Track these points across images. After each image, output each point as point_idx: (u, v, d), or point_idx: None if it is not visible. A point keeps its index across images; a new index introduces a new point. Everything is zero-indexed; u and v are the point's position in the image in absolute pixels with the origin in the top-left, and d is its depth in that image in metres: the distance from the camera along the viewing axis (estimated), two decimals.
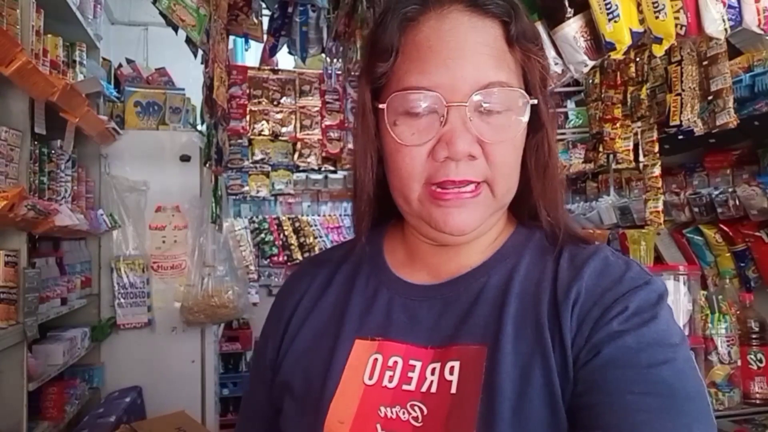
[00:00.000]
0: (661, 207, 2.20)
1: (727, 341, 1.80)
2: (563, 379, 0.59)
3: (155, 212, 3.27)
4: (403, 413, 0.62)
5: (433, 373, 0.64)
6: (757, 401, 1.81)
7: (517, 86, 0.67)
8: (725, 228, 2.26)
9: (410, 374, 0.64)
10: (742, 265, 2.22)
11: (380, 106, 0.66)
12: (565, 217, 0.72)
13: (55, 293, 2.39)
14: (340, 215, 5.35)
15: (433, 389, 0.63)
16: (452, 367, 0.63)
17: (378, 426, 0.62)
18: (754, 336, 1.86)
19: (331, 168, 3.85)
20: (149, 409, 3.03)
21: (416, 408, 0.62)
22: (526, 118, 0.66)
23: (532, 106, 0.67)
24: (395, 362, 0.66)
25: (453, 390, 0.61)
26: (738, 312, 1.89)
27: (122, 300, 3.14)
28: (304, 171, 3.94)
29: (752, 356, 1.83)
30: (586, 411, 0.57)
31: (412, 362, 0.65)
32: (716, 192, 2.26)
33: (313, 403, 0.66)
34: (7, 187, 1.83)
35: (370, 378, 0.65)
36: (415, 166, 0.64)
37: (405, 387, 0.64)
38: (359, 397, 0.65)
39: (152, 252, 3.24)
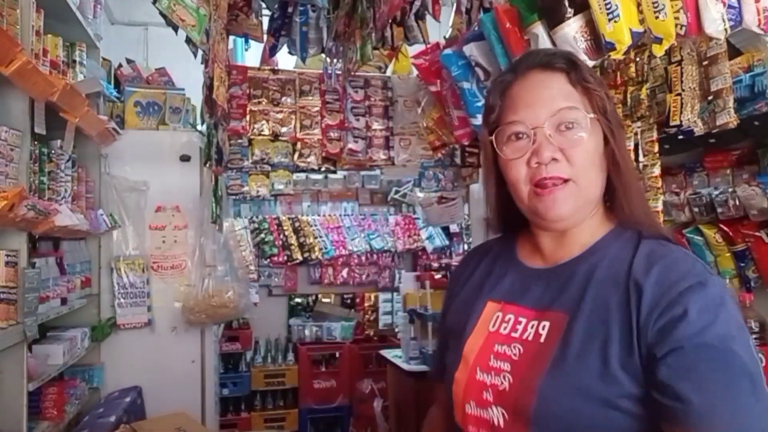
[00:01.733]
0: (661, 207, 2.19)
1: None
2: (624, 348, 0.82)
3: (155, 212, 3.27)
4: (508, 349, 0.92)
5: (532, 327, 0.92)
6: None
7: (581, 109, 0.93)
8: (725, 228, 2.25)
9: (518, 326, 0.94)
10: (742, 265, 2.21)
11: (491, 138, 0.97)
12: (648, 216, 0.97)
13: (55, 293, 2.39)
14: (340, 215, 5.36)
15: (530, 338, 0.91)
16: (544, 325, 0.91)
17: (491, 356, 0.93)
18: (754, 336, 1.86)
19: (331, 168, 3.84)
20: (149, 409, 3.03)
21: (516, 347, 0.92)
22: (587, 132, 0.92)
23: (601, 125, 0.94)
24: (509, 317, 0.96)
25: (542, 340, 0.90)
26: None
27: (122, 300, 3.14)
28: (304, 171, 3.94)
29: None
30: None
31: (520, 318, 0.95)
32: (716, 192, 2.25)
33: (458, 339, 1.00)
34: (7, 187, 1.83)
35: (493, 326, 0.97)
36: (519, 172, 0.93)
37: (513, 334, 0.94)
38: (484, 338, 0.97)
39: (152, 252, 3.24)
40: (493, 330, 0.96)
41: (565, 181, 0.91)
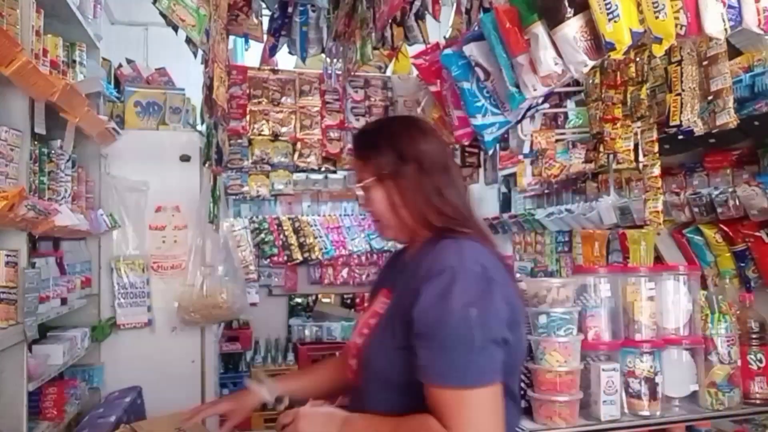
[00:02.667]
0: (660, 207, 2.19)
1: (727, 341, 1.80)
2: (412, 314, 1.14)
3: (155, 212, 3.27)
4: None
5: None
6: (757, 401, 1.81)
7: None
8: (725, 228, 2.26)
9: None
10: (742, 265, 2.22)
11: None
12: (427, 219, 1.29)
13: (55, 293, 2.39)
14: (340, 215, 5.35)
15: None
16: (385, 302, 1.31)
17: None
18: (754, 336, 1.86)
19: (331, 168, 3.85)
20: (149, 409, 3.03)
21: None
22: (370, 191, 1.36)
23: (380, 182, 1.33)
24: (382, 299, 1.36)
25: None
26: (738, 312, 1.89)
27: (122, 300, 3.14)
28: (304, 171, 3.94)
29: (752, 356, 1.83)
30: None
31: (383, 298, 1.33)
32: (716, 192, 2.25)
33: None
34: (7, 187, 1.83)
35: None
36: None
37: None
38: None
39: (152, 252, 3.24)
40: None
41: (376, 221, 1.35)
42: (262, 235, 4.90)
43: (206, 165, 3.08)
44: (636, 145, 2.32)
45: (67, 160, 2.46)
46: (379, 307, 1.32)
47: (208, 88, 2.09)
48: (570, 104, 3.05)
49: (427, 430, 1.09)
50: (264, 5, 2.72)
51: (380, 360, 1.22)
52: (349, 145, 3.69)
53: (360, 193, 1.34)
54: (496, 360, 1.11)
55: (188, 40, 2.00)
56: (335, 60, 3.03)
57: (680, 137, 2.20)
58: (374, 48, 2.63)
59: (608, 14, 1.41)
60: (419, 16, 2.60)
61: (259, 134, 3.64)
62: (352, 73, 2.95)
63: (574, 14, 1.49)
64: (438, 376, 1.09)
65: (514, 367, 1.23)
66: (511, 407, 1.20)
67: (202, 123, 3.32)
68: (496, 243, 1.33)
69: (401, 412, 1.15)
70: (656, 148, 2.22)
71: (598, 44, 1.48)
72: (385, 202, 1.30)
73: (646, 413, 1.71)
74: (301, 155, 3.67)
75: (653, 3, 1.41)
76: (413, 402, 1.13)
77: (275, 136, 3.66)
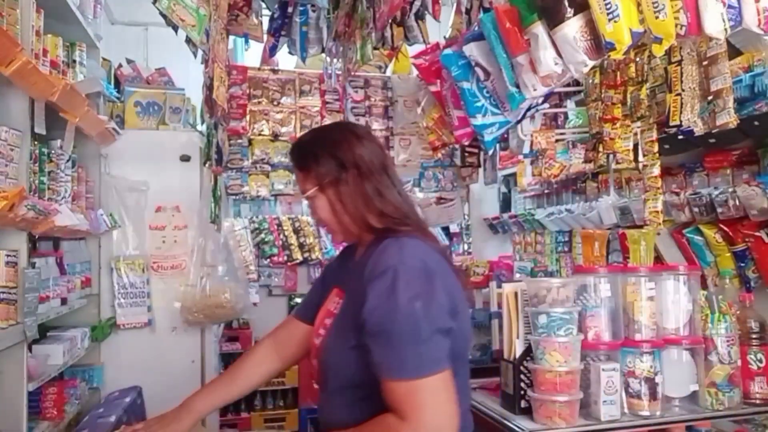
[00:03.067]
0: (659, 207, 2.19)
1: (727, 341, 1.80)
2: (362, 315, 1.20)
3: (155, 212, 3.27)
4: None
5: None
6: (757, 401, 1.81)
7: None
8: (725, 228, 2.26)
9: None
10: (742, 265, 2.22)
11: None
12: (367, 222, 1.35)
13: (55, 293, 2.39)
14: None
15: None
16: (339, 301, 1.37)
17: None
18: (754, 336, 1.86)
19: None
20: (149, 409, 3.02)
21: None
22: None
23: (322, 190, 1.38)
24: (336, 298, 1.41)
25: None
26: (738, 312, 1.89)
27: (122, 300, 3.14)
28: None
29: (752, 356, 1.83)
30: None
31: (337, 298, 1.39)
32: (716, 192, 2.25)
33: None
34: (7, 187, 1.83)
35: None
36: None
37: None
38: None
39: (152, 252, 3.24)
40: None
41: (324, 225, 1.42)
42: (262, 235, 4.89)
43: (206, 165, 3.08)
44: (636, 145, 2.32)
45: (67, 160, 2.46)
46: (332, 306, 1.38)
47: (208, 88, 2.09)
48: (570, 104, 3.05)
49: (386, 427, 1.16)
50: (264, 5, 2.73)
51: (337, 359, 1.29)
52: None
53: (306, 202, 1.40)
54: (443, 348, 1.18)
55: (188, 40, 2.00)
56: (335, 60, 3.03)
57: (680, 137, 2.20)
58: (374, 48, 2.63)
59: (608, 14, 1.41)
60: (419, 16, 2.60)
61: (259, 134, 3.64)
62: (352, 73, 2.95)
63: (574, 14, 1.49)
64: (392, 371, 1.16)
65: (460, 352, 1.28)
66: (463, 389, 1.27)
67: (202, 123, 3.32)
68: (435, 236, 1.43)
69: (361, 409, 1.22)
70: (656, 148, 2.22)
71: (598, 44, 1.48)
72: (329, 210, 1.36)
73: (646, 413, 1.71)
74: None
75: (653, 3, 1.41)
76: (372, 399, 1.19)
77: (275, 136, 3.66)
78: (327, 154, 1.35)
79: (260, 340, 1.72)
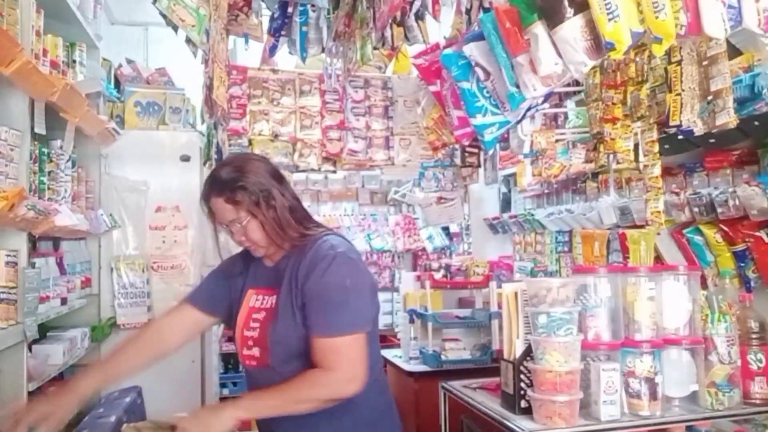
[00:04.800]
0: (661, 207, 2.19)
1: (727, 341, 1.80)
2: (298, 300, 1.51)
3: (155, 212, 3.27)
4: (257, 314, 1.61)
5: (267, 300, 1.61)
6: (757, 401, 1.81)
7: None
8: (725, 228, 2.25)
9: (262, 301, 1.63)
10: (742, 265, 2.21)
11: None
12: (298, 232, 1.60)
13: (55, 293, 2.39)
14: (340, 215, 5.35)
15: (268, 305, 1.60)
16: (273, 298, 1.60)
17: (251, 321, 1.62)
18: (754, 336, 1.86)
19: (331, 168, 3.84)
20: (149, 409, 3.02)
21: (262, 313, 1.61)
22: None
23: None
24: (258, 296, 1.65)
25: (271, 306, 1.60)
26: (738, 312, 1.89)
27: (122, 300, 3.14)
28: (304, 171, 3.94)
29: (752, 356, 1.83)
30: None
31: (262, 296, 1.63)
32: (716, 192, 2.25)
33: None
34: (7, 187, 1.83)
35: (251, 303, 1.67)
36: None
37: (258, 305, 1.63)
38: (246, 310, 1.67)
39: (152, 252, 3.24)
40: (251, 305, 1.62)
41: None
42: None
43: (206, 165, 3.09)
44: (636, 145, 2.31)
45: (67, 160, 2.46)
46: (258, 303, 1.61)
47: (208, 88, 2.09)
48: (570, 104, 3.05)
49: (313, 378, 1.45)
50: (264, 5, 2.72)
51: (288, 345, 1.51)
52: (350, 145, 3.70)
53: (235, 231, 1.57)
54: (363, 316, 1.51)
55: (188, 40, 2.00)
56: (335, 60, 3.03)
57: (680, 137, 2.20)
58: (374, 48, 2.63)
59: (608, 14, 1.41)
60: (419, 16, 2.59)
61: (259, 134, 3.64)
62: (352, 73, 2.95)
63: (574, 14, 1.49)
64: (321, 328, 1.46)
65: (373, 322, 1.60)
66: (374, 352, 1.60)
67: (202, 123, 3.33)
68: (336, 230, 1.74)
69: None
70: (656, 148, 2.22)
71: (598, 44, 1.48)
72: (260, 232, 1.55)
73: (646, 413, 1.71)
74: (301, 155, 3.67)
75: (653, 3, 1.41)
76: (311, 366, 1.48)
77: (275, 136, 3.66)
78: (250, 183, 1.54)
79: (148, 323, 2.04)
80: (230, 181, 1.54)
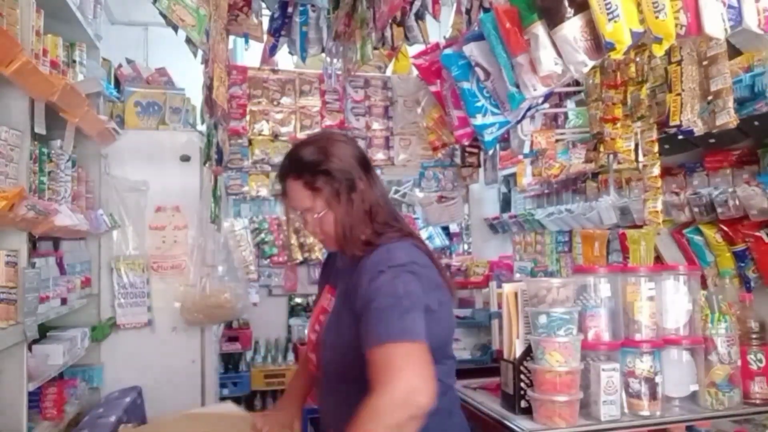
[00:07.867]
0: (659, 207, 2.19)
1: (727, 341, 1.80)
2: (356, 309, 1.31)
3: (155, 212, 3.27)
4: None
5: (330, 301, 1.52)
6: (757, 401, 1.81)
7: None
8: (725, 228, 2.25)
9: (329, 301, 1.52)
10: (742, 265, 2.22)
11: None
12: (358, 233, 1.43)
13: (55, 293, 2.39)
14: None
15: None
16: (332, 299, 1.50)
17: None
18: (754, 336, 1.86)
19: None
20: (149, 409, 3.03)
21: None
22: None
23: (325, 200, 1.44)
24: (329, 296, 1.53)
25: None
26: (738, 312, 1.89)
27: (122, 300, 3.14)
28: None
29: (752, 356, 1.83)
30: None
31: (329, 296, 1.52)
32: (716, 192, 2.25)
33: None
34: (7, 187, 1.83)
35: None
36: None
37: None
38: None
39: (152, 252, 3.24)
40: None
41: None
42: (262, 235, 4.89)
43: (206, 165, 3.08)
44: (636, 145, 2.31)
45: (67, 160, 2.46)
46: (325, 303, 1.50)
47: (208, 88, 2.09)
48: (570, 104, 3.05)
49: (369, 405, 1.16)
50: (264, 5, 2.73)
51: (334, 352, 1.39)
52: None
53: (310, 220, 1.43)
54: (419, 324, 1.26)
55: (188, 40, 2.00)
56: (335, 60, 3.03)
57: (680, 137, 2.20)
58: (374, 48, 2.63)
59: (608, 14, 1.41)
60: (419, 16, 2.59)
61: (259, 134, 3.65)
62: (352, 73, 2.95)
63: (574, 14, 1.49)
64: (372, 339, 1.23)
65: (443, 340, 1.43)
66: (447, 368, 1.45)
67: (202, 123, 3.32)
68: (421, 237, 1.54)
69: (357, 401, 1.22)
70: (656, 148, 2.22)
71: (598, 44, 1.48)
72: (334, 227, 1.41)
73: (646, 413, 1.71)
74: None
75: (653, 3, 1.41)
76: (367, 392, 1.23)
77: (275, 136, 3.66)
78: (335, 169, 1.39)
79: None
80: (312, 163, 1.39)
